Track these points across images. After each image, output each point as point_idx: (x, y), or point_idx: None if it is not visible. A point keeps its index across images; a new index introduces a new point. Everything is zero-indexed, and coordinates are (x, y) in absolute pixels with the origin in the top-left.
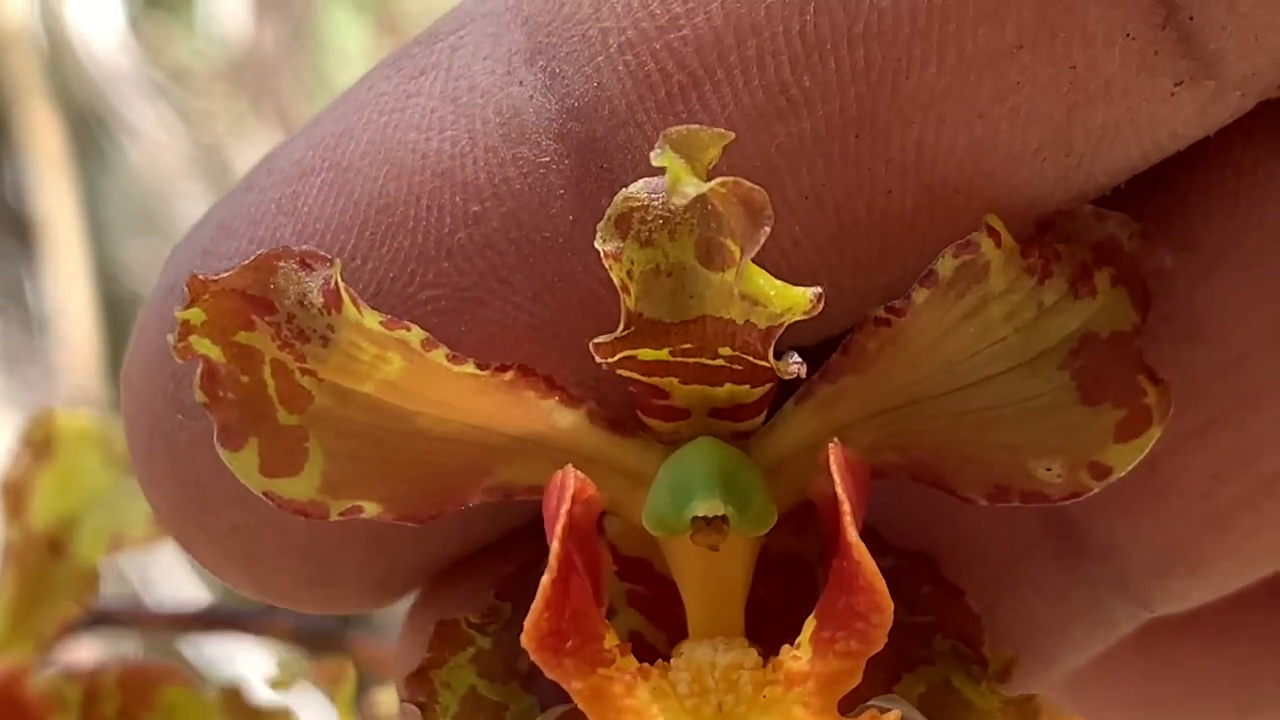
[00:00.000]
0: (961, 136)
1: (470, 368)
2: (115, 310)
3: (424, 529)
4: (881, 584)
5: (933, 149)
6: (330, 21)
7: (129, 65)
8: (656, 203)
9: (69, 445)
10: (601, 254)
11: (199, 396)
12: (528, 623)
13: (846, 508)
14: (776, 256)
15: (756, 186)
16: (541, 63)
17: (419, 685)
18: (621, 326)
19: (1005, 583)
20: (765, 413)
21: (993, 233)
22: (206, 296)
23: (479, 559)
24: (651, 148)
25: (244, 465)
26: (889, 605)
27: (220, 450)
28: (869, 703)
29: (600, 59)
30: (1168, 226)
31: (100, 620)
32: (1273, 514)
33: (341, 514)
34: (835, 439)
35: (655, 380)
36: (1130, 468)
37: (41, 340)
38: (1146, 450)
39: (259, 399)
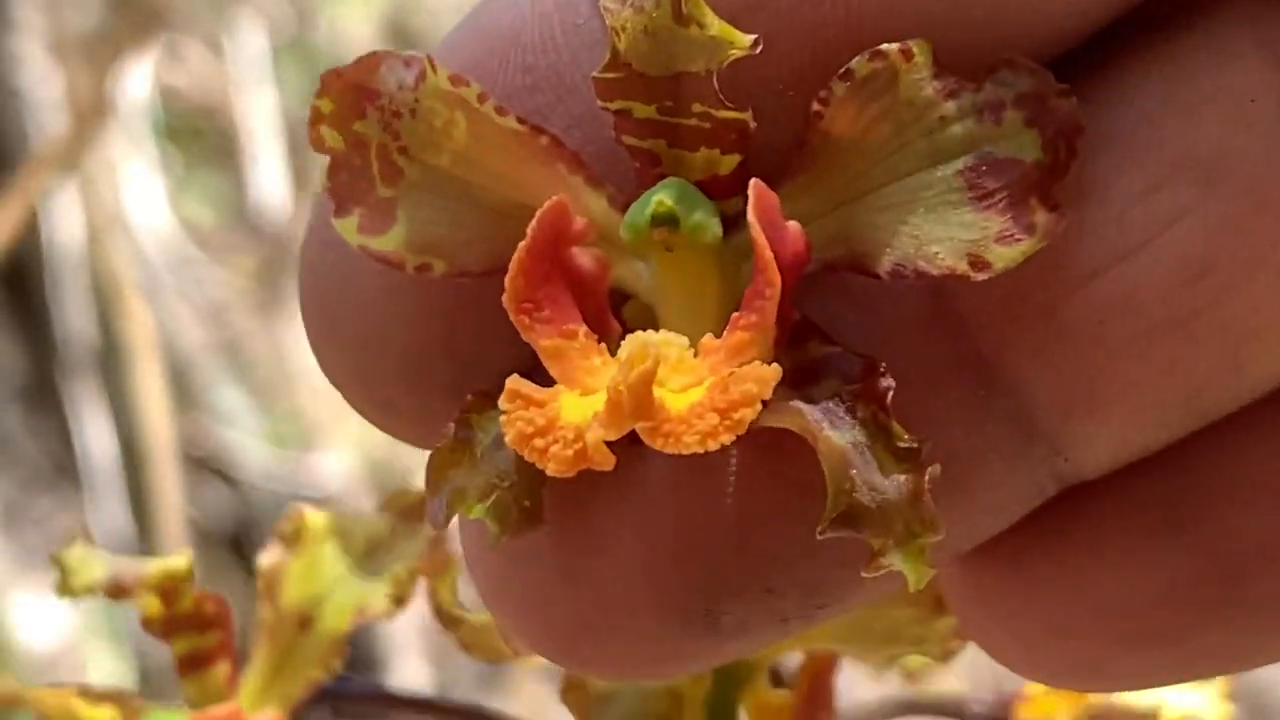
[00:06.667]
0: None
1: (512, 121)
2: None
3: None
4: (772, 262)
5: None
6: None
7: (170, 240)
8: None
9: (314, 537)
10: (601, 4)
11: (324, 183)
12: (506, 283)
13: (753, 202)
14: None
15: None
16: None
17: (460, 423)
18: (608, 67)
19: (922, 408)
20: (744, 198)
21: (905, 50)
22: (334, 90)
23: None
24: None
25: (348, 228)
26: (778, 279)
27: (334, 220)
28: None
29: None
30: None
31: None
32: (1159, 361)
33: (415, 268)
34: (756, 179)
35: (649, 143)
36: (1007, 266)
37: None
38: (1022, 257)
39: (365, 177)
